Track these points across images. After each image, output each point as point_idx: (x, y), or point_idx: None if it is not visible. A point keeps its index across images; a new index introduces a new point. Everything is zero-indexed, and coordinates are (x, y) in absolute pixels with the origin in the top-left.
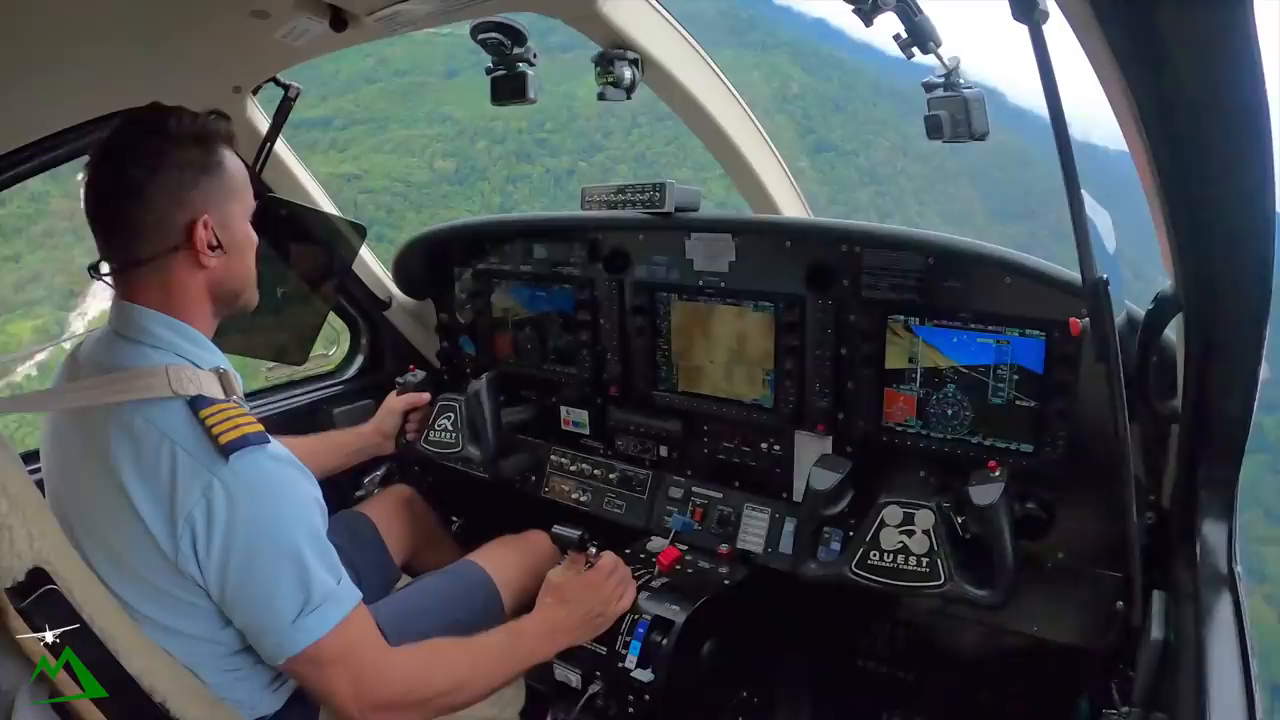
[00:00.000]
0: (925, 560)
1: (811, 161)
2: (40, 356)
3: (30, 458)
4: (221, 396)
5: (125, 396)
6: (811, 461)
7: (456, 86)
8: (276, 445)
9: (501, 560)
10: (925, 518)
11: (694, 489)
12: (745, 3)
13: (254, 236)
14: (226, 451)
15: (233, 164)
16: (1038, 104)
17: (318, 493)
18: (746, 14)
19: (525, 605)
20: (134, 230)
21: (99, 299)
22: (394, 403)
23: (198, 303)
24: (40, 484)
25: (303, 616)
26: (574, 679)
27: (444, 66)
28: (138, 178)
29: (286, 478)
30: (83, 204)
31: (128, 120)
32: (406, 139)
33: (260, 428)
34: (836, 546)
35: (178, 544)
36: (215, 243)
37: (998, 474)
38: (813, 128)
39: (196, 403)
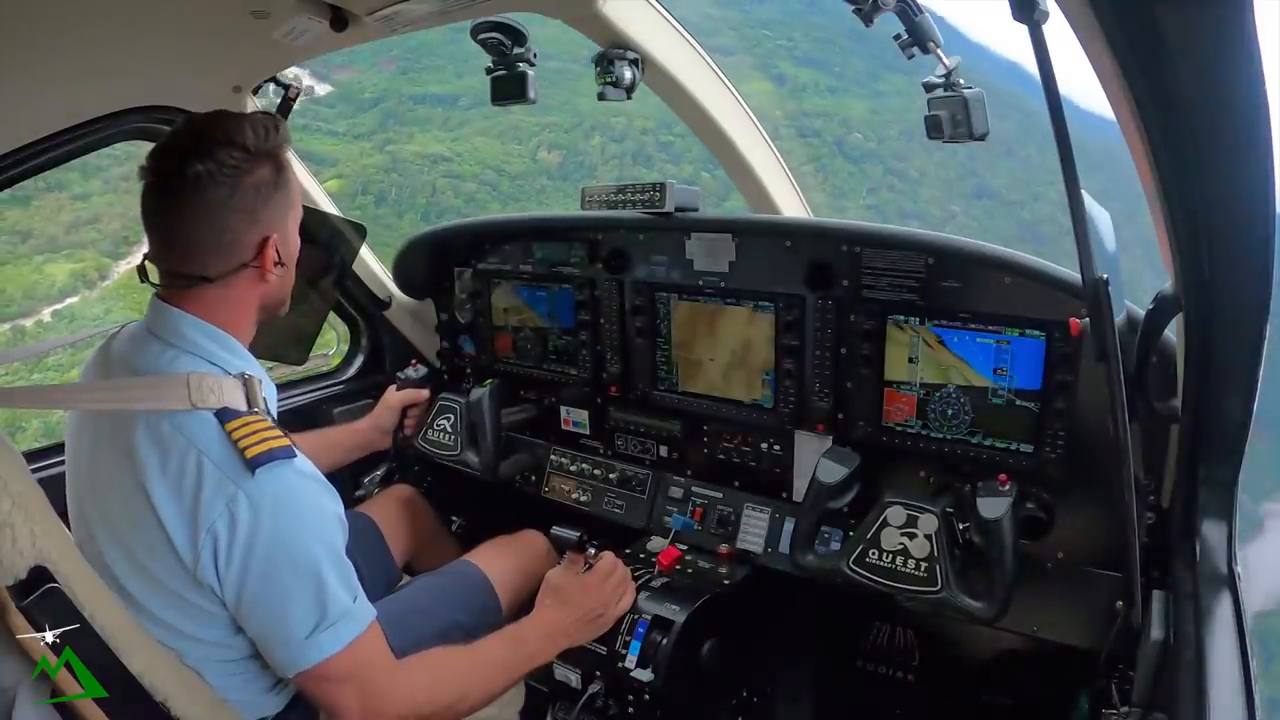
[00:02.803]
0: (924, 565)
1: (966, 206)
2: (52, 343)
3: (34, 456)
4: (244, 407)
5: (141, 406)
6: (811, 461)
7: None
8: (302, 460)
9: (497, 560)
10: (929, 522)
11: (694, 489)
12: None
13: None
14: (253, 466)
15: (294, 176)
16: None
17: (340, 509)
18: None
19: (521, 603)
20: (205, 248)
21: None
22: (392, 398)
23: (246, 315)
24: (43, 481)
25: (317, 633)
26: (574, 679)
27: (592, 54)
28: (216, 197)
29: (310, 493)
30: (143, 210)
31: (198, 128)
32: (516, 124)
33: (286, 442)
34: (836, 546)
35: (198, 553)
36: (278, 259)
37: (1007, 488)
38: (975, 170)
39: (223, 415)
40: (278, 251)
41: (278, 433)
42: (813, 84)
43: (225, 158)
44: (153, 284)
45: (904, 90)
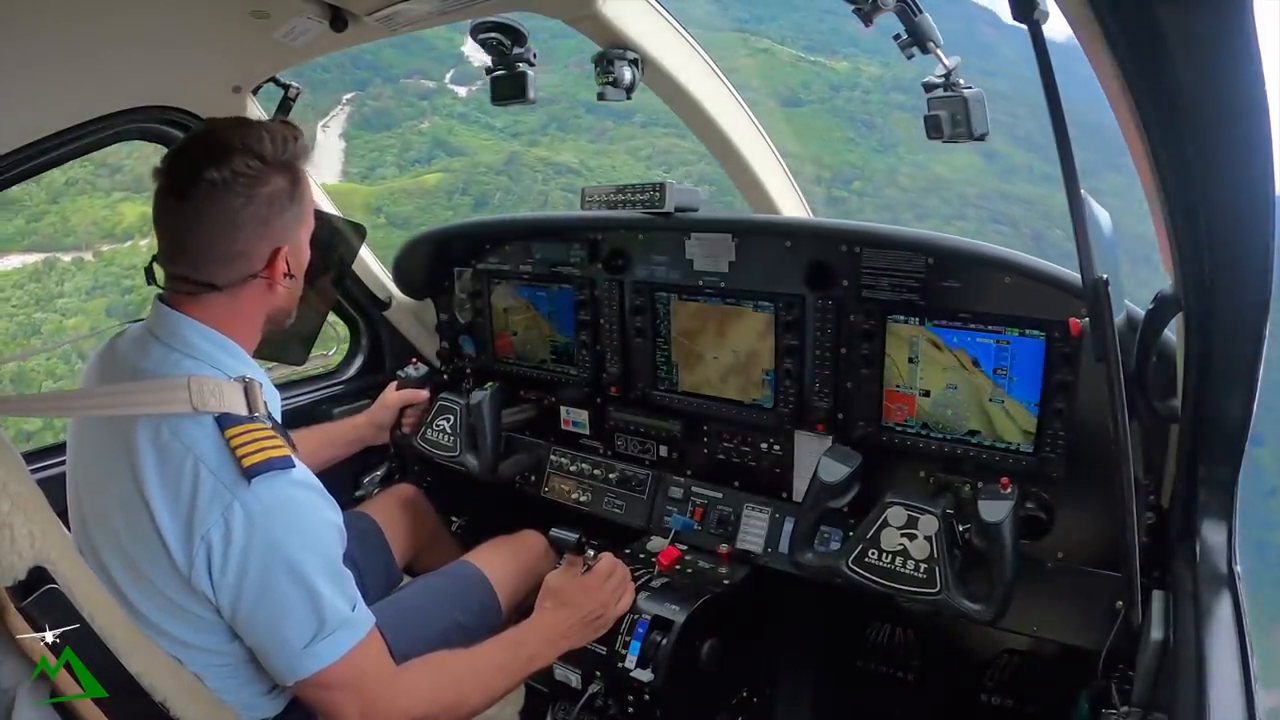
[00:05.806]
0: (924, 566)
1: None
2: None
3: (33, 456)
4: (244, 411)
5: (142, 410)
6: (811, 461)
7: (788, 117)
8: (301, 470)
9: (496, 560)
10: (929, 524)
11: (694, 489)
12: None
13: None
14: (250, 475)
15: (309, 188)
16: None
17: (338, 518)
18: None
19: (520, 602)
20: (215, 257)
21: None
22: (391, 397)
23: (251, 323)
24: (43, 482)
25: (315, 642)
26: (574, 679)
27: (789, 93)
28: (230, 206)
29: (307, 503)
30: (155, 213)
31: (214, 134)
32: (670, 148)
33: (286, 451)
34: (835, 546)
35: (192, 560)
36: (288, 270)
37: (1009, 491)
38: None
39: (223, 421)
40: (288, 263)
41: (278, 441)
42: (1025, 168)
43: (242, 166)
44: (159, 286)
45: (1123, 191)
